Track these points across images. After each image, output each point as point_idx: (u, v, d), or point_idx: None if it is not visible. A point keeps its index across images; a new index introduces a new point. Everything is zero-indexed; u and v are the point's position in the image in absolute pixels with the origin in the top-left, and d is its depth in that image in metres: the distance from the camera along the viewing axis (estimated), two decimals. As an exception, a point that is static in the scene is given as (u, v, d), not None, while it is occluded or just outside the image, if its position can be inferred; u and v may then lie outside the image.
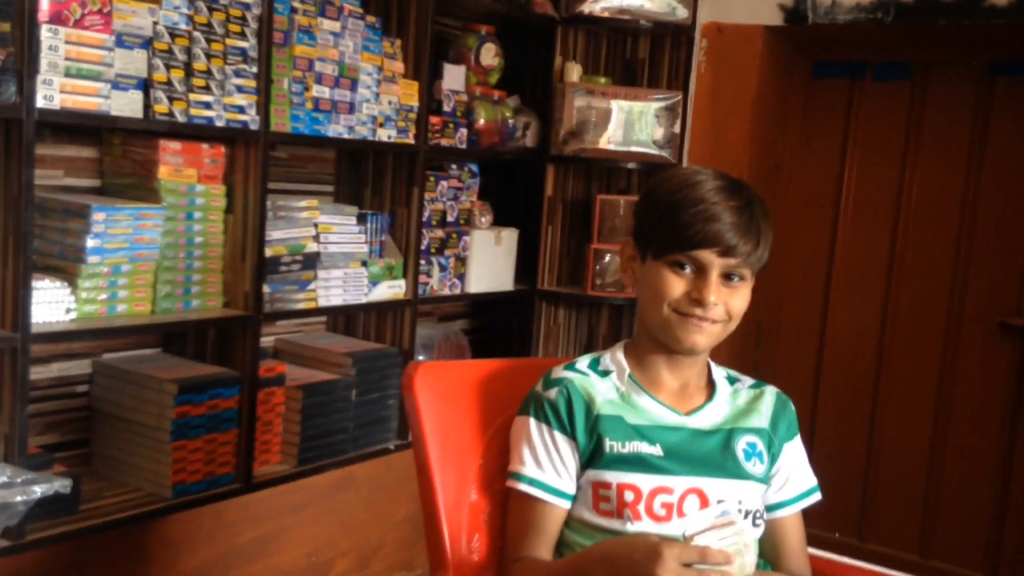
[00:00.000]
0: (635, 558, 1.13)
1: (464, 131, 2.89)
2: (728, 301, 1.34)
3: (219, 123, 2.17)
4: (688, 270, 1.33)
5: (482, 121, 2.96)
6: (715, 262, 1.32)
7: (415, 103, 2.69)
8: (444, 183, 2.88)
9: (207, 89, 2.15)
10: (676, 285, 1.34)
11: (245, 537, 2.45)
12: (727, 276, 1.34)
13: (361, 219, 2.64)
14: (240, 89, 2.21)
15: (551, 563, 1.35)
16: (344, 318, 2.91)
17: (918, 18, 2.68)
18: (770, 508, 1.43)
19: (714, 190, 1.33)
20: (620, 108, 3.10)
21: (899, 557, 2.93)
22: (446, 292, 2.94)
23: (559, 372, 1.43)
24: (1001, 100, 2.88)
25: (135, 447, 2.23)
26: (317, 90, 2.40)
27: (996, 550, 2.86)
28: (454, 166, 2.94)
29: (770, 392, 1.48)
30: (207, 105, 2.14)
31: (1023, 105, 2.84)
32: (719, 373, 1.48)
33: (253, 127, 2.24)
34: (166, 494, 2.20)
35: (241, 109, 2.21)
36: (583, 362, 1.46)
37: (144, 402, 2.20)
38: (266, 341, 2.70)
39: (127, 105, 2.01)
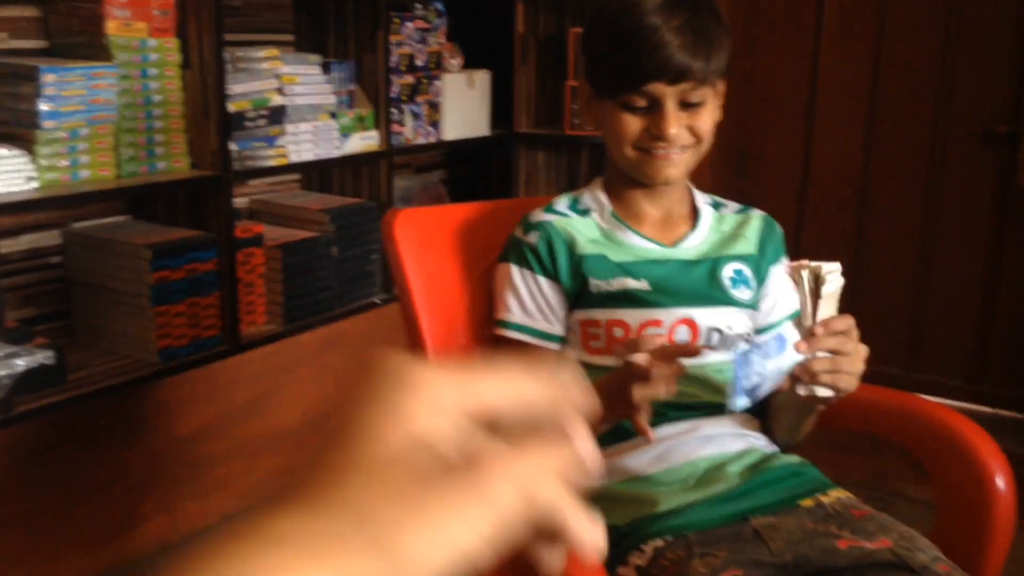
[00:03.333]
0: (619, 384, 1.11)
1: (427, -33, 2.74)
2: (692, 124, 1.28)
3: (164, -30, 2.04)
4: (642, 105, 1.27)
5: (445, -44, 2.81)
6: (668, 92, 1.25)
7: (372, -61, 2.53)
8: (410, 24, 2.75)
9: (147, -67, 2.00)
10: (632, 124, 1.28)
11: (239, 398, 2.46)
12: (686, 101, 1.27)
13: (326, 68, 2.53)
14: (183, -69, 2.07)
15: None
16: (319, 174, 2.83)
17: None
18: (760, 331, 1.43)
19: (654, 10, 1.23)
20: (590, -66, 2.94)
21: (886, 372, 2.99)
22: (421, 141, 2.86)
23: (538, 215, 1.39)
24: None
25: (117, 315, 2.20)
26: (266, -71, 2.25)
27: (983, 360, 2.92)
28: (419, 5, 2.80)
29: (756, 216, 1.45)
30: (149, -49, 2.01)
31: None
32: (703, 200, 1.44)
33: (202, -28, 2.11)
34: (153, 359, 2.18)
35: (187, -46, 2.07)
36: (562, 203, 1.41)
37: (120, 269, 2.15)
38: (240, 202, 2.64)
39: (63, -45, 1.88)
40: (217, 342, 2.31)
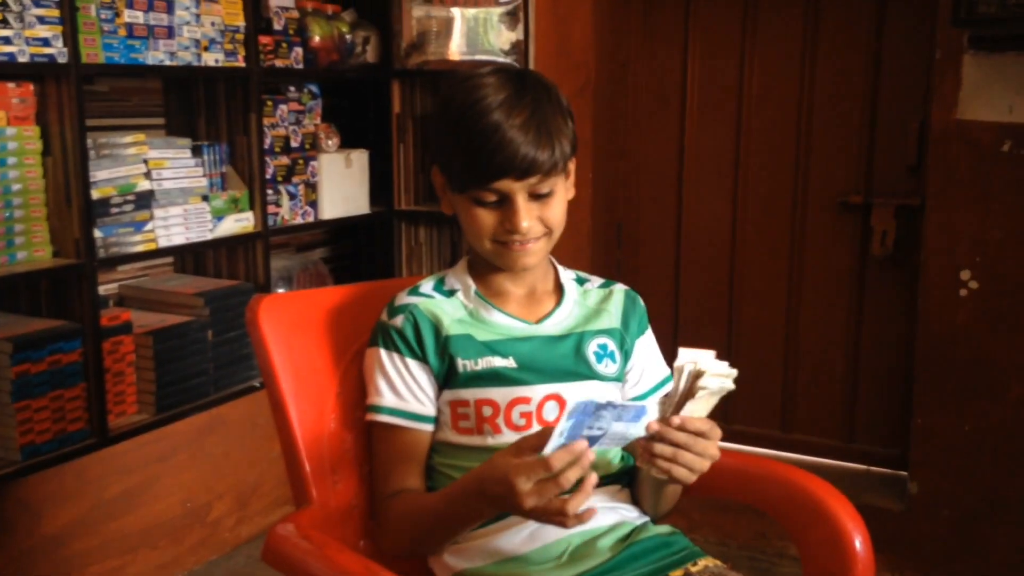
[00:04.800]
0: (498, 492, 1.09)
1: (299, 50, 2.76)
2: (543, 216, 1.29)
3: (22, 59, 2.00)
4: (493, 200, 1.28)
5: (317, 38, 2.83)
6: (516, 187, 1.26)
7: (241, 23, 2.54)
8: (283, 107, 2.75)
9: (4, 23, 1.96)
10: (486, 218, 1.29)
11: (112, 491, 2.36)
12: (536, 193, 1.28)
13: (196, 151, 2.51)
14: (42, 20, 2.03)
15: (426, 497, 1.32)
16: (192, 257, 2.78)
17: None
18: (629, 404, 1.45)
19: (498, 108, 1.24)
20: (462, 16, 3.01)
21: (762, 434, 3.07)
22: (299, 221, 2.85)
23: (403, 298, 1.39)
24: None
25: (-27, 414, 2.09)
26: (129, 15, 2.23)
27: (851, 418, 3.03)
28: (292, 88, 2.81)
29: (619, 290, 1.48)
30: (6, 40, 1.96)
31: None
32: (567, 275, 1.47)
33: (62, 60, 2.07)
34: (15, 457, 2.08)
35: (46, 42, 2.04)
36: (427, 284, 1.42)
37: (-24, 365, 2.06)
38: (109, 288, 2.56)
39: (-89, 44, 1.82)
40: (84, 435, 2.22)
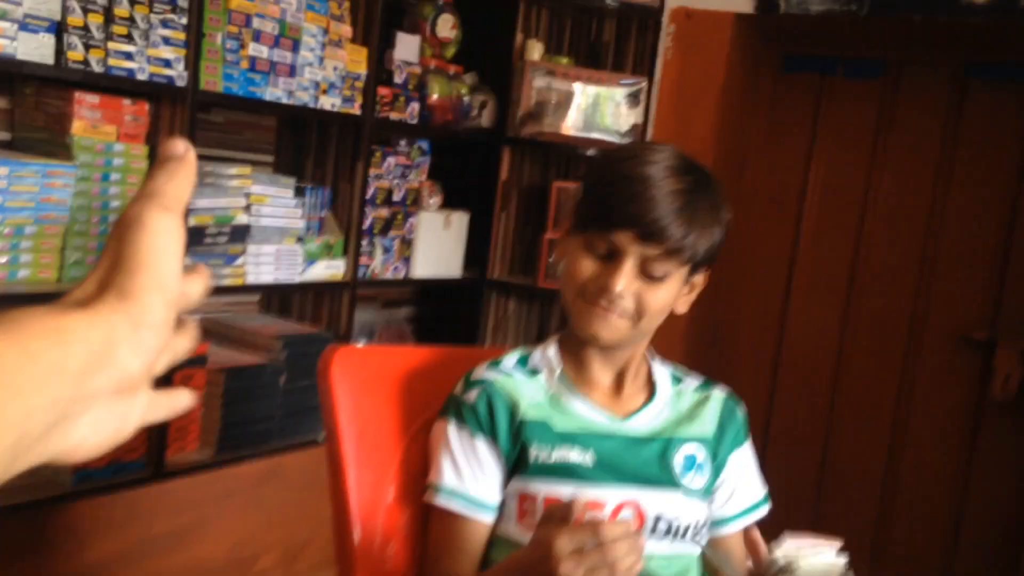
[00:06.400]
0: (533, 559, 0.98)
1: (416, 105, 2.73)
2: (642, 296, 1.17)
3: (141, 76, 1.99)
4: (602, 252, 1.17)
5: (435, 96, 2.80)
6: (632, 248, 1.15)
7: (363, 71, 2.52)
8: (391, 159, 2.71)
9: (129, 38, 1.96)
10: (585, 268, 1.18)
11: (160, 527, 2.28)
12: (648, 269, 1.16)
13: (299, 192, 2.47)
14: (167, 41, 2.03)
15: None
16: (279, 298, 2.73)
17: (892, 11, 2.56)
18: (713, 523, 1.30)
19: (661, 167, 1.15)
20: (583, 91, 2.95)
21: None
22: (389, 276, 2.78)
23: (480, 372, 1.28)
24: (974, 103, 2.78)
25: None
26: (254, 48, 2.22)
27: (951, 563, 2.77)
28: (403, 142, 2.78)
29: (717, 395, 1.34)
30: (128, 56, 1.96)
31: (997, 109, 2.75)
32: (662, 371, 1.34)
33: (180, 83, 2.06)
34: (66, 480, 2.02)
35: (167, 63, 2.03)
36: (510, 360, 1.30)
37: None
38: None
39: (36, 50, 1.83)
40: (139, 467, 2.15)
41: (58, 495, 2.00)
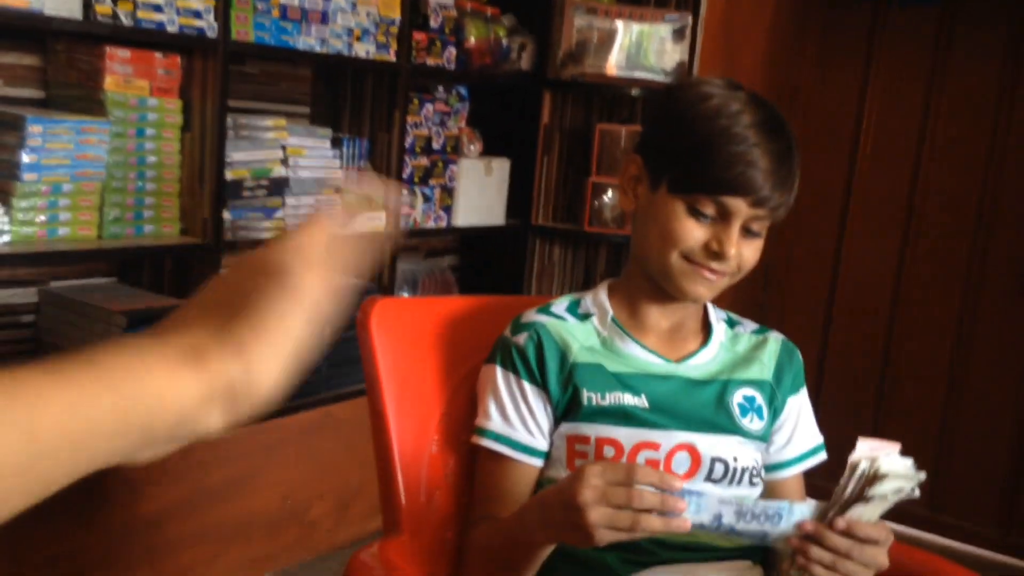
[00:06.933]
0: (561, 486, 0.97)
1: (453, 50, 2.66)
2: (744, 254, 1.16)
3: (171, 28, 1.96)
4: (708, 215, 1.14)
5: (473, 40, 2.73)
6: (743, 211, 1.13)
7: (396, 16, 2.46)
8: (429, 106, 2.66)
9: (157, -11, 1.92)
10: (693, 232, 1.14)
11: (214, 478, 2.30)
12: (749, 227, 1.16)
13: (336, 143, 2.43)
14: (196, -9, 1.99)
15: (502, 519, 1.18)
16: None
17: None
18: (769, 468, 1.27)
19: (754, 127, 1.13)
20: (625, 29, 2.86)
21: (907, 511, 2.78)
22: (430, 225, 2.74)
23: (530, 315, 1.25)
24: (1038, 26, 2.64)
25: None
26: (285, -4, 2.17)
27: (1011, 508, 2.71)
28: (441, 88, 2.72)
29: (774, 339, 1.30)
30: (157, 8, 1.93)
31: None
32: (717, 315, 1.30)
33: (211, 35, 2.02)
34: (117, 435, 2.03)
35: (197, 14, 1.99)
36: (560, 304, 1.27)
37: (91, 334, 2.02)
38: (233, 273, 2.51)
39: (63, 4, 1.80)
40: (189, 421, 2.15)
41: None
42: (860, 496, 0.94)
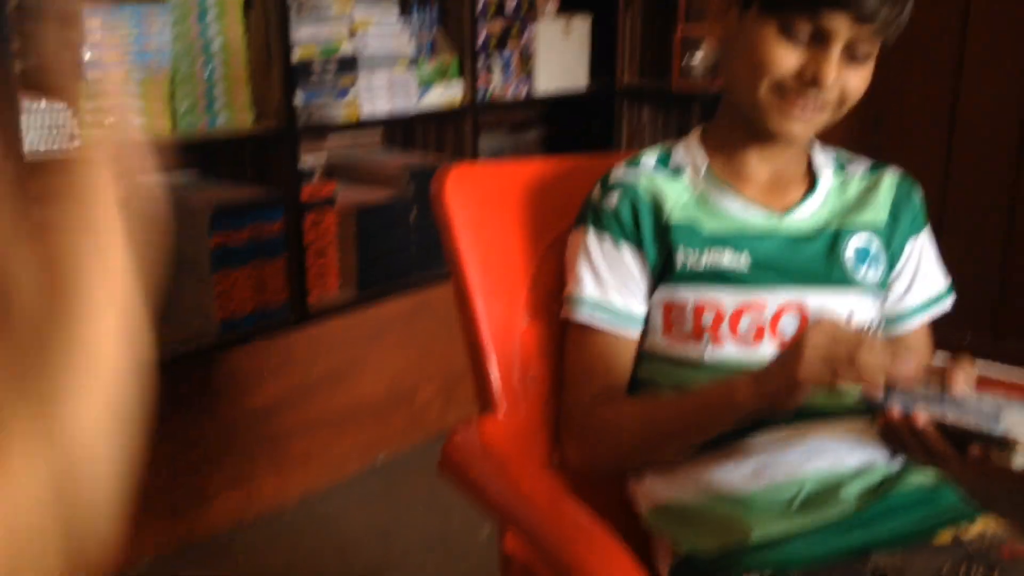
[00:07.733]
0: (786, 346, 0.94)
1: (520, -99, 2.48)
2: (848, 82, 1.02)
3: (220, -99, 1.85)
4: (804, 37, 1.00)
5: None
6: (846, 30, 0.98)
7: None
8: (500, -35, 2.50)
9: None
10: (785, 57, 1.01)
11: (319, 369, 2.31)
12: (853, 51, 1.00)
13: (405, 10, 2.31)
14: None
15: (654, 397, 1.10)
16: (402, 130, 2.63)
17: None
18: (891, 320, 1.16)
19: None
20: None
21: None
22: (510, 96, 2.62)
23: (619, 174, 1.15)
24: None
25: (174, 281, 2.05)
26: None
27: None
28: (511, -56, 2.55)
29: (889, 178, 1.17)
30: None
31: None
32: (824, 158, 1.18)
33: (264, -97, 1.91)
34: (213, 328, 2.03)
35: None
36: (649, 158, 1.17)
37: (176, 230, 2.00)
38: (315, 159, 2.46)
39: None
40: (284, 311, 2.15)
41: (207, 345, 2.02)
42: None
